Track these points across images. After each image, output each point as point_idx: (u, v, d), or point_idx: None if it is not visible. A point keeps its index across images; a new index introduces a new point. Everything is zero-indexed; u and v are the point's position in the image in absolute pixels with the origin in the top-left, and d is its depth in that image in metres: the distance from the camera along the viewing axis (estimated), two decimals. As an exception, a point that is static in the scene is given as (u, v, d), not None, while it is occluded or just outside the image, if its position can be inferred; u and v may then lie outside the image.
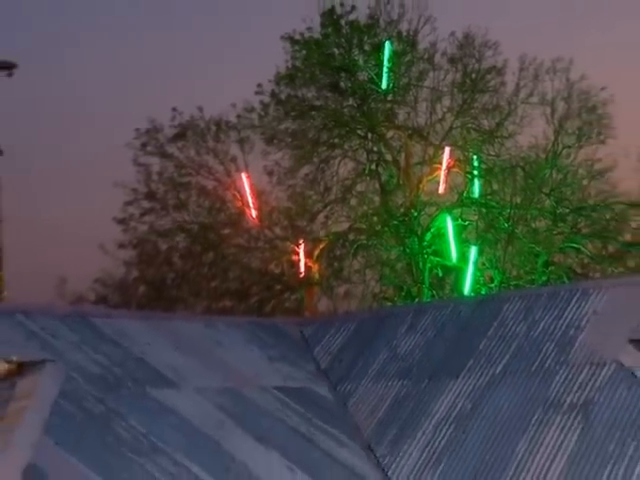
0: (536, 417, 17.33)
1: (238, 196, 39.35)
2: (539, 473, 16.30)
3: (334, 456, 17.74)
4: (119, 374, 17.58)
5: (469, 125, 40.11)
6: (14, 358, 16.51)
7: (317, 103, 40.52)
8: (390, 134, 40.06)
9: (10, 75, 24.05)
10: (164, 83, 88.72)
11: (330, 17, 40.12)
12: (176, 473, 15.58)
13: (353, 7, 40.09)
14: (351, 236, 40.07)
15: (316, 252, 38.85)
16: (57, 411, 15.66)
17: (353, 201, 40.53)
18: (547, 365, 18.45)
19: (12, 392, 15.86)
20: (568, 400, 17.45)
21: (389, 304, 37.54)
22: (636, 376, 17.30)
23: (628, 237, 39.79)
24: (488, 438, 17.37)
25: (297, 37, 40.33)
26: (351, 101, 40.11)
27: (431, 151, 39.37)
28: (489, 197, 39.08)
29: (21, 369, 16.38)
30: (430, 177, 38.95)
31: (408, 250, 38.87)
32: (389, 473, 17.46)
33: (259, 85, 40.37)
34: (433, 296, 36.87)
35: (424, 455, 17.61)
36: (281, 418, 18.36)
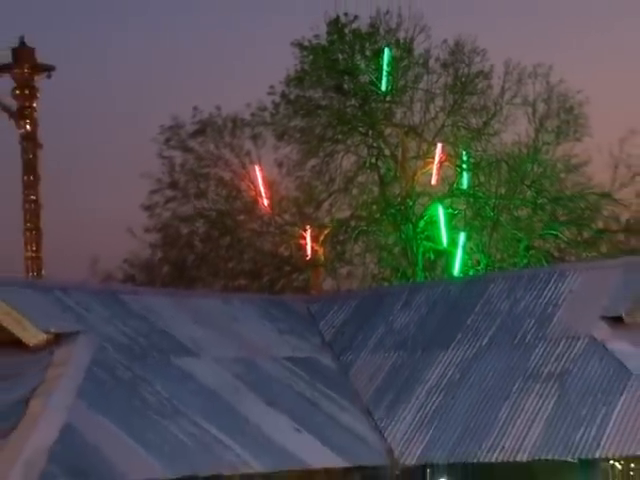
0: (517, 385, 17.41)
1: (252, 186, 39.38)
2: (520, 435, 16.40)
3: (336, 419, 17.82)
4: (145, 345, 17.66)
5: (459, 123, 40.03)
6: (52, 329, 16.62)
7: (323, 103, 40.49)
8: (388, 131, 39.99)
9: (49, 77, 24.03)
10: (186, 84, 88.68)
11: (335, 25, 40.12)
12: (196, 433, 15.68)
13: (356, 17, 40.12)
14: (353, 223, 40.06)
15: (321, 237, 38.84)
16: (89, 377, 15.76)
17: (354, 191, 40.51)
18: (527, 339, 18.51)
19: (50, 360, 15.95)
20: (546, 370, 17.52)
21: (386, 284, 37.45)
22: (607, 349, 17.36)
23: (601, 224, 39.81)
24: (474, 404, 17.44)
25: (305, 43, 40.31)
26: (353, 101, 40.04)
27: (425, 147, 39.30)
28: (476, 188, 39.00)
29: (58, 339, 16.47)
30: (424, 170, 38.89)
31: (404, 236, 38.86)
32: (385, 434, 17.54)
33: (271, 86, 40.43)
34: (426, 277, 36.82)
35: (417, 418, 17.68)
36: (289, 385, 18.44)
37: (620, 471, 34.02)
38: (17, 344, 16.58)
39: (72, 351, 16.27)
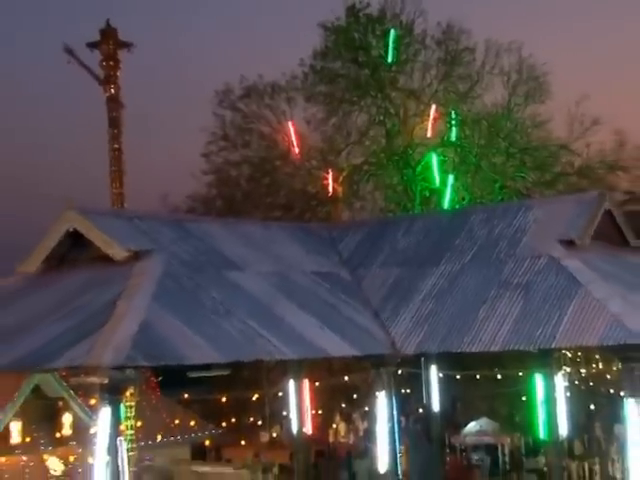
0: (492, 293, 17.46)
1: (286, 138, 39.55)
2: (493, 331, 16.46)
3: (352, 319, 17.93)
4: (203, 261, 17.78)
5: (449, 89, 40.02)
6: (132, 248, 16.75)
7: (342, 72, 40.52)
8: (393, 95, 39.95)
9: (130, 51, 23.91)
10: (235, 57, 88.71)
11: (352, 10, 40.16)
12: (242, 329, 15.84)
13: (368, 4, 40.26)
14: (365, 167, 40.24)
15: (340, 178, 38.98)
16: (161, 285, 15.91)
17: (366, 142, 40.71)
18: (501, 257, 18.54)
19: (131, 271, 16.11)
20: (515, 281, 17.57)
21: (391, 215, 37.59)
22: (562, 265, 17.38)
23: (559, 169, 39.96)
24: (459, 307, 17.50)
25: (328, 25, 40.35)
26: (366, 71, 40.00)
27: (422, 107, 39.30)
28: (462, 140, 39.03)
29: (136, 256, 16.63)
30: (421, 126, 38.89)
31: (405, 177, 39.01)
32: (390, 331, 17.64)
33: (301, 59, 40.53)
34: (422, 210, 36.94)
35: (414, 319, 17.75)
36: (315, 292, 18.55)
37: (569, 358, 34.36)
38: (106, 259, 16.75)
39: (147, 265, 16.41)
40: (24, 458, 22.33)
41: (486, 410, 33.53)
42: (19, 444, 22.54)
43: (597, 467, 26.37)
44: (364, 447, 28.32)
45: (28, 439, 22.71)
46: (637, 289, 17.37)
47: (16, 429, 22.53)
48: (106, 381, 13.31)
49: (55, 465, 22.43)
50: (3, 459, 21.92)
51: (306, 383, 23.18)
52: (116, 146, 23.90)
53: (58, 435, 23.24)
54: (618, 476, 22.07)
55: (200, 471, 27.32)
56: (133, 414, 21.66)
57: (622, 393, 15.94)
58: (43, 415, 23.20)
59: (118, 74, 23.83)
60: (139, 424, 22.36)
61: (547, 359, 21.43)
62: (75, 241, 17.38)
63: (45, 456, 22.65)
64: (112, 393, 13.56)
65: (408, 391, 28.30)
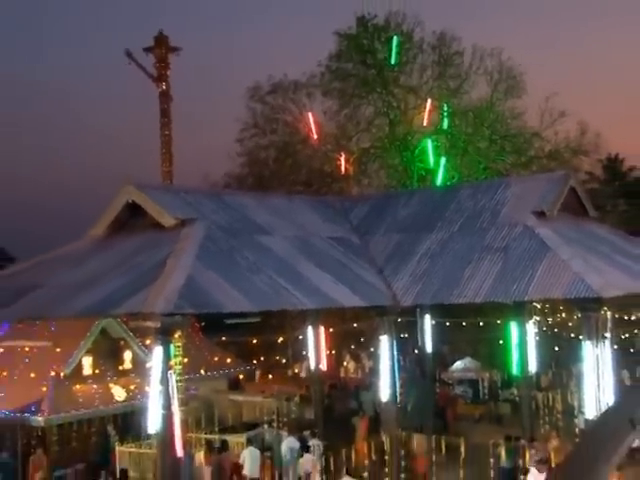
0: (476, 255, 17.44)
1: (306, 126, 39.31)
2: (477, 286, 16.46)
3: (361, 276, 17.96)
4: (238, 227, 17.82)
5: (442, 86, 39.66)
6: (179, 217, 16.79)
7: (353, 72, 40.24)
8: (396, 91, 39.67)
9: (177, 54, 23.82)
10: (264, 58, 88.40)
11: (361, 20, 39.90)
12: (271, 283, 15.90)
13: (375, 15, 39.95)
14: (372, 151, 40.05)
15: (351, 159, 38.83)
16: (203, 247, 15.99)
17: (373, 130, 40.44)
18: (484, 226, 18.49)
19: (178, 236, 16.15)
20: (495, 245, 17.53)
21: (393, 190, 37.44)
22: (535, 232, 17.33)
23: (532, 153, 39.70)
24: (448, 267, 17.50)
25: (342, 33, 40.08)
26: (373, 71, 39.68)
27: (419, 101, 38.99)
28: (453, 128, 38.77)
29: (183, 223, 16.69)
30: (418, 116, 38.62)
31: (405, 159, 38.82)
32: (391, 286, 17.67)
33: (319, 61, 40.29)
34: (419, 186, 36.74)
35: (411, 277, 17.76)
36: (330, 254, 18.58)
37: (539, 308, 34.18)
38: (158, 226, 16.81)
39: (191, 231, 16.47)
40: (94, 386, 22.51)
41: (470, 351, 33.60)
42: (90, 375, 22.72)
43: (559, 397, 26.45)
44: (369, 381, 28.37)
45: (97, 371, 22.89)
46: (595, 252, 17.33)
47: (87, 363, 22.73)
48: (159, 325, 13.41)
49: (119, 392, 22.60)
50: (78, 387, 22.11)
51: (322, 329, 23.30)
52: (166, 132, 23.93)
53: (120, 368, 23.41)
54: (575, 404, 22.08)
55: (235, 399, 27.52)
56: (180, 352, 21.75)
57: (581, 337, 15.94)
58: (108, 352, 23.37)
59: (168, 73, 23.82)
60: (185, 360, 22.43)
61: (520, 310, 21.48)
62: (133, 211, 17.45)
63: (110, 385, 22.81)
64: (163, 335, 13.66)
65: (406, 335, 28.31)
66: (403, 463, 18.41)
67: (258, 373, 34.16)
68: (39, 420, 20.53)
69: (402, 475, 17.86)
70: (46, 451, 20.48)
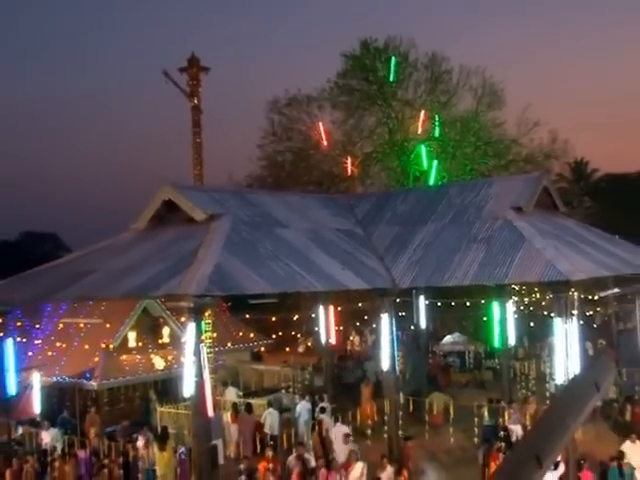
0: (464, 244, 17.40)
1: (317, 134, 39.29)
2: (465, 271, 16.42)
3: (365, 263, 17.93)
4: (259, 221, 17.82)
5: (434, 100, 39.54)
6: (208, 212, 16.74)
7: (357, 87, 40.16)
8: (394, 103, 39.56)
9: (207, 73, 23.76)
10: (281, 75, 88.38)
11: (364, 44, 39.82)
12: (287, 269, 15.88)
13: (376, 39, 39.80)
14: (373, 155, 39.98)
15: (356, 163, 38.76)
16: (229, 238, 15.98)
17: (374, 137, 40.35)
18: (470, 219, 18.44)
19: (208, 229, 16.12)
20: (480, 236, 17.49)
21: (392, 189, 37.40)
22: (513, 225, 17.27)
23: (511, 157, 39.65)
24: (440, 254, 17.45)
25: (347, 54, 40.00)
26: (374, 87, 39.58)
27: (414, 112, 38.88)
28: (443, 136, 38.66)
29: (212, 217, 16.67)
30: (414, 126, 38.52)
31: (402, 163, 38.74)
32: (391, 271, 17.64)
33: (328, 78, 40.29)
34: (414, 185, 36.67)
35: (409, 263, 17.72)
36: (338, 244, 18.56)
37: (517, 290, 34.03)
38: (190, 220, 16.83)
39: (219, 224, 16.47)
40: (138, 357, 22.65)
41: (458, 327, 33.61)
42: (134, 347, 22.89)
43: (533, 365, 26.48)
44: (372, 353, 28.39)
45: (140, 344, 23.05)
46: (565, 242, 17.27)
47: (132, 337, 22.90)
48: (192, 305, 13.43)
49: (158, 362, 22.73)
50: (124, 357, 22.29)
51: (331, 308, 23.33)
52: (198, 140, 23.85)
53: (160, 342, 23.54)
54: (547, 371, 22.05)
55: (257, 368, 27.63)
56: (210, 328, 21.82)
57: (552, 315, 15.91)
58: (150, 328, 23.51)
59: (199, 90, 23.72)
60: (214, 335, 22.51)
61: (501, 291, 21.46)
62: (169, 207, 17.48)
63: (151, 356, 22.94)
64: (196, 313, 13.69)
65: (404, 314, 28.31)
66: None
67: (276, 346, 34.22)
68: (93, 385, 20.93)
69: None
70: (99, 411, 20.75)
